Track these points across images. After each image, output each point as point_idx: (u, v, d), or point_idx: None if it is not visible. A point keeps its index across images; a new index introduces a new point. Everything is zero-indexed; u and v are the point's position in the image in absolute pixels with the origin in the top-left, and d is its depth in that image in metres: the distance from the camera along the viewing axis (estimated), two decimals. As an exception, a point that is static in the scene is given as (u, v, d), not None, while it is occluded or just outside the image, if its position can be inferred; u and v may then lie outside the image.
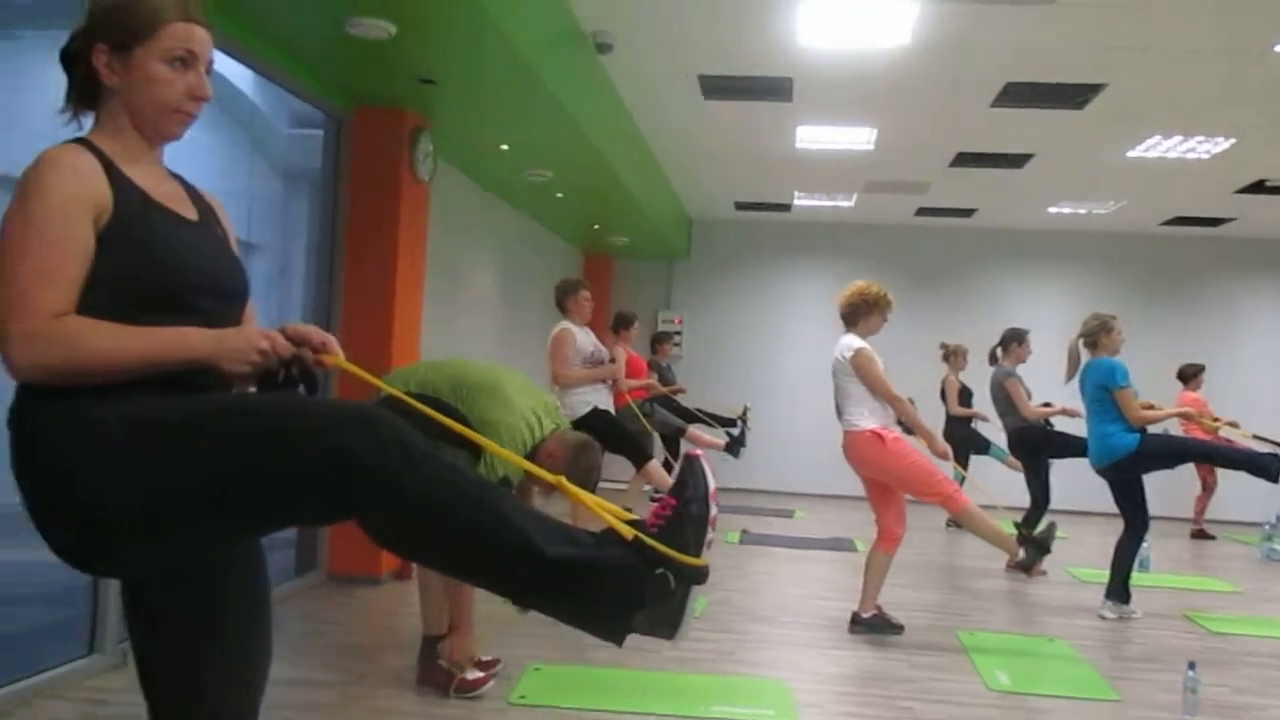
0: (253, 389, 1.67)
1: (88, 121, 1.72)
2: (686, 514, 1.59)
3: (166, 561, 1.62)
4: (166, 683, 1.74)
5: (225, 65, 4.71)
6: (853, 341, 5.04)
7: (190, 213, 1.75)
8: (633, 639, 1.63)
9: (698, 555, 1.56)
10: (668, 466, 8.83)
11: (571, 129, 6.10)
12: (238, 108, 5.44)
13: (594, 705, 3.73)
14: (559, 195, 8.16)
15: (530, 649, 4.33)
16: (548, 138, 6.31)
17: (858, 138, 7.99)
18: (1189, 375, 9.53)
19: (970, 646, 4.92)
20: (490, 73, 5.09)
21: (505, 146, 6.64)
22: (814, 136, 8.03)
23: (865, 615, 5.08)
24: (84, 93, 1.70)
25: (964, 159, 8.49)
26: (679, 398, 8.98)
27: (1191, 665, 4.03)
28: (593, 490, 3.08)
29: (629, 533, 1.57)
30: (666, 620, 1.58)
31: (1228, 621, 5.87)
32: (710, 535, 1.58)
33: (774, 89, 6.80)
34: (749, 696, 3.98)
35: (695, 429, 8.32)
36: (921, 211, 10.94)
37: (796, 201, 10.75)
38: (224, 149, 5.42)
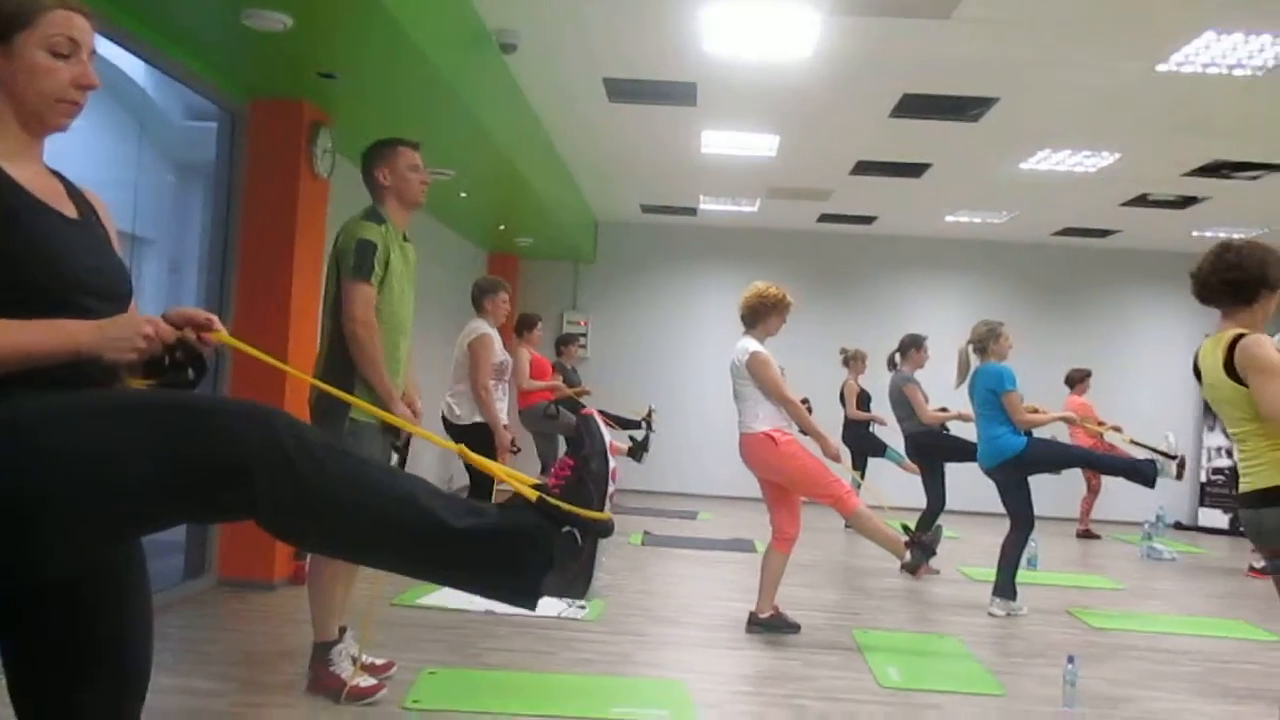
0: (140, 379, 1.63)
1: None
2: (586, 471, 1.64)
3: (48, 565, 1.56)
4: (37, 693, 1.67)
5: (115, 53, 4.56)
6: (749, 344, 5.11)
7: (71, 211, 1.71)
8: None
9: (601, 509, 1.61)
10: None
11: (475, 128, 6.05)
12: (127, 97, 5.26)
13: (489, 708, 3.70)
14: (463, 195, 8.09)
15: (425, 653, 4.28)
16: (451, 136, 6.25)
17: (761, 144, 8.11)
18: (1076, 380, 9.90)
19: (864, 645, 5.02)
20: (392, 68, 5.02)
21: (408, 144, 6.55)
22: (719, 142, 8.12)
23: (763, 615, 5.14)
24: None
25: (864, 167, 8.68)
26: (584, 400, 8.98)
27: (1071, 659, 4.18)
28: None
29: (533, 495, 1.60)
30: (577, 578, 1.63)
31: (1109, 617, 6.11)
32: (611, 488, 1.62)
33: (679, 94, 6.86)
34: (647, 697, 4.00)
35: (599, 431, 8.32)
36: (824, 218, 11.15)
37: (702, 206, 10.85)
38: (112, 139, 5.23)
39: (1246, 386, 3.03)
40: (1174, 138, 7.32)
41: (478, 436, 5.60)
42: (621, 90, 6.86)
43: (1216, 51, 5.59)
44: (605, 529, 1.63)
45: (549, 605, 5.25)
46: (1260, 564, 7.41)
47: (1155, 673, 4.88)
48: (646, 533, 8.34)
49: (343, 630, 3.81)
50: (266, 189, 5.54)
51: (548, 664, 4.35)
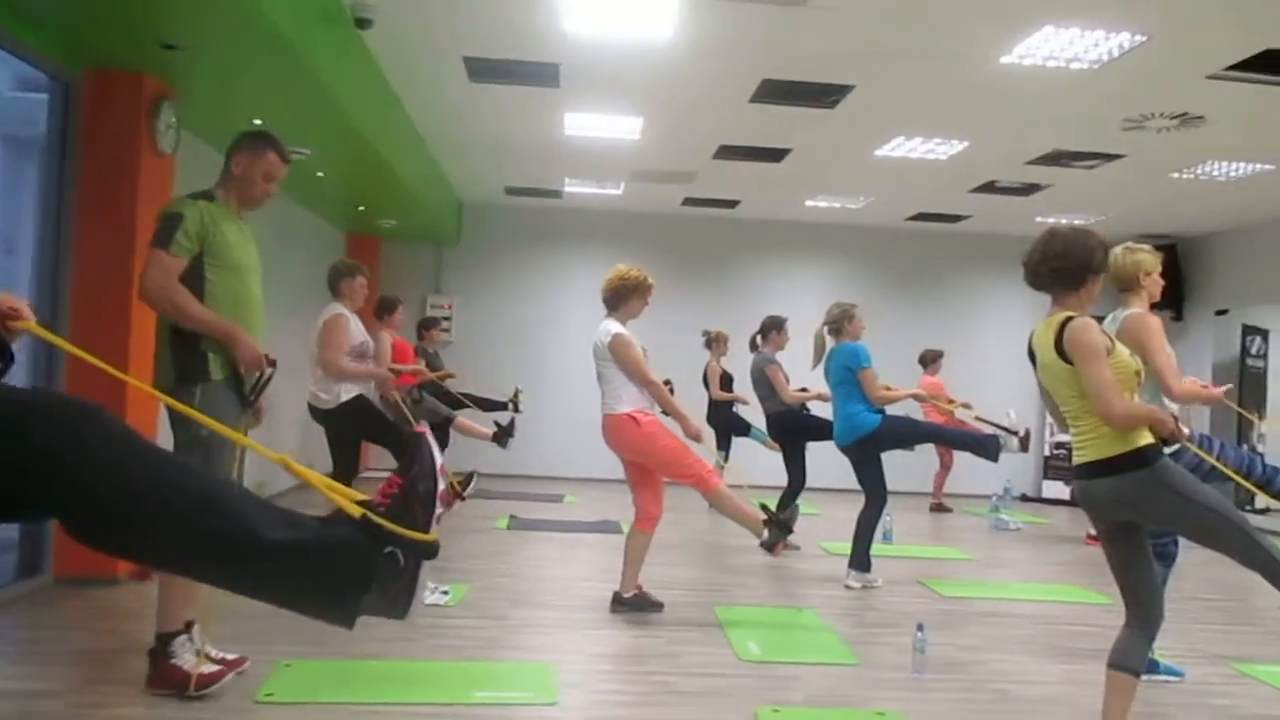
0: None
1: None
2: (414, 491, 1.58)
3: None
4: None
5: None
6: (611, 326, 5.12)
7: None
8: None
9: (426, 531, 1.56)
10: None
11: (330, 105, 5.87)
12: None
13: (346, 699, 3.62)
14: (320, 174, 7.85)
15: (282, 645, 4.15)
16: (305, 113, 6.05)
17: (625, 127, 8.12)
18: (929, 360, 10.29)
19: (725, 621, 5.11)
20: (239, 40, 4.82)
21: (259, 120, 6.29)
22: (582, 124, 8.09)
23: (626, 595, 5.18)
24: None
25: (727, 151, 8.79)
26: (448, 384, 8.86)
27: (920, 627, 4.35)
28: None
29: (357, 511, 1.54)
30: (398, 598, 1.57)
31: (958, 586, 6.38)
32: (439, 510, 1.58)
33: (540, 74, 6.80)
34: (510, 681, 3.98)
35: (463, 418, 8.23)
36: (688, 201, 11.26)
37: (567, 188, 10.82)
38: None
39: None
40: (1018, 127, 7.65)
41: (349, 417, 5.48)
42: (482, 70, 6.76)
43: (1055, 45, 5.85)
44: (430, 551, 1.60)
45: (411, 592, 5.22)
46: (1094, 531, 7.84)
47: (1000, 637, 5.12)
48: (513, 516, 8.30)
49: (190, 624, 3.66)
50: (104, 165, 5.25)
51: (409, 651, 4.28)
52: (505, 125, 8.24)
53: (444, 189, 10.68)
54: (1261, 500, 4.21)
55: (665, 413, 5.22)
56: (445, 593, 5.30)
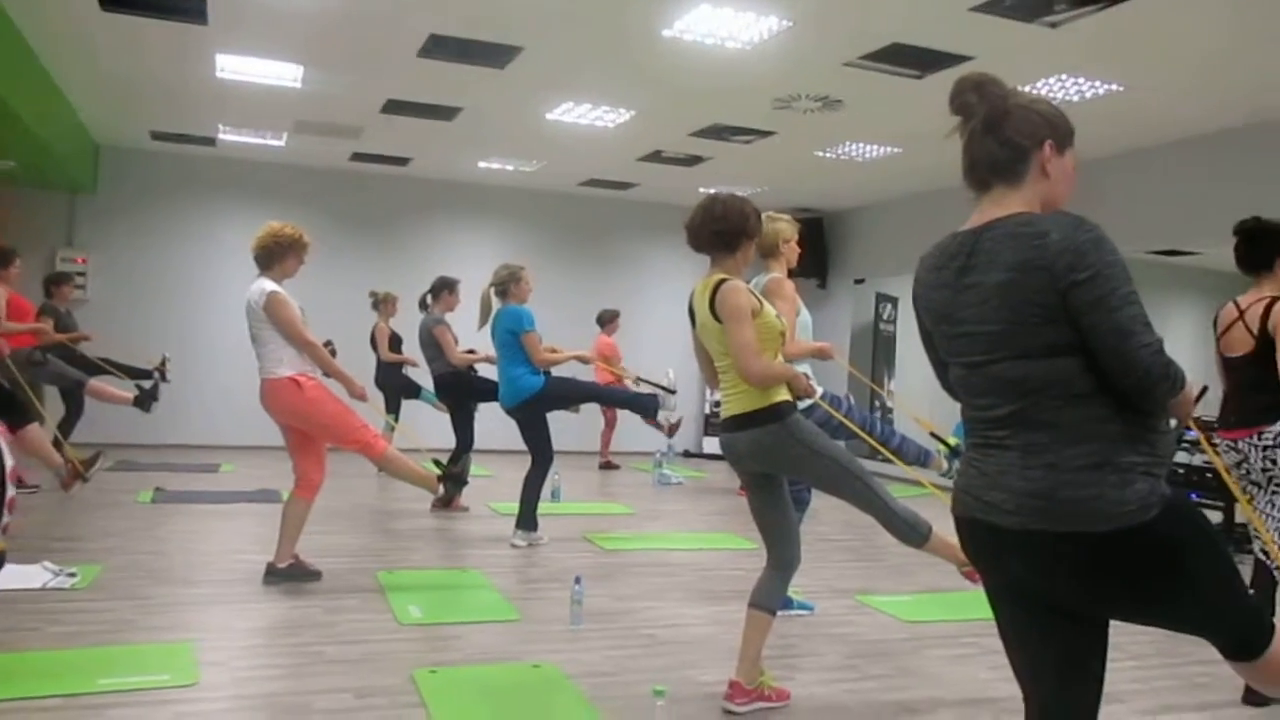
0: None
1: None
2: None
3: None
4: None
5: None
6: (265, 285, 4.83)
7: None
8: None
9: None
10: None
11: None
12: None
13: (-60, 699, 3.19)
14: (-84, 105, 6.81)
15: None
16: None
17: (284, 73, 7.65)
18: (606, 320, 10.61)
19: (388, 585, 5.01)
20: None
21: None
22: (236, 67, 7.54)
23: (281, 565, 4.94)
24: None
25: (395, 106, 8.52)
26: (82, 347, 8.03)
27: (578, 580, 4.47)
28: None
29: None
30: None
31: (619, 540, 6.63)
32: (7, 519, 1.40)
33: (183, 8, 6.24)
34: (145, 664, 3.66)
35: (98, 381, 7.50)
36: (356, 157, 10.83)
37: (222, 136, 10.06)
38: None
39: (725, 326, 3.39)
40: (681, 100, 7.97)
41: None
42: (115, -2, 6.10)
43: (712, 23, 6.13)
44: None
45: (32, 576, 4.69)
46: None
47: (655, 585, 5.37)
48: (158, 489, 7.66)
49: None
50: None
51: (26, 642, 3.85)
52: (146, 63, 7.51)
53: (75, 130, 9.60)
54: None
55: (327, 374, 5.00)
56: (72, 574, 4.81)
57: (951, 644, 4.44)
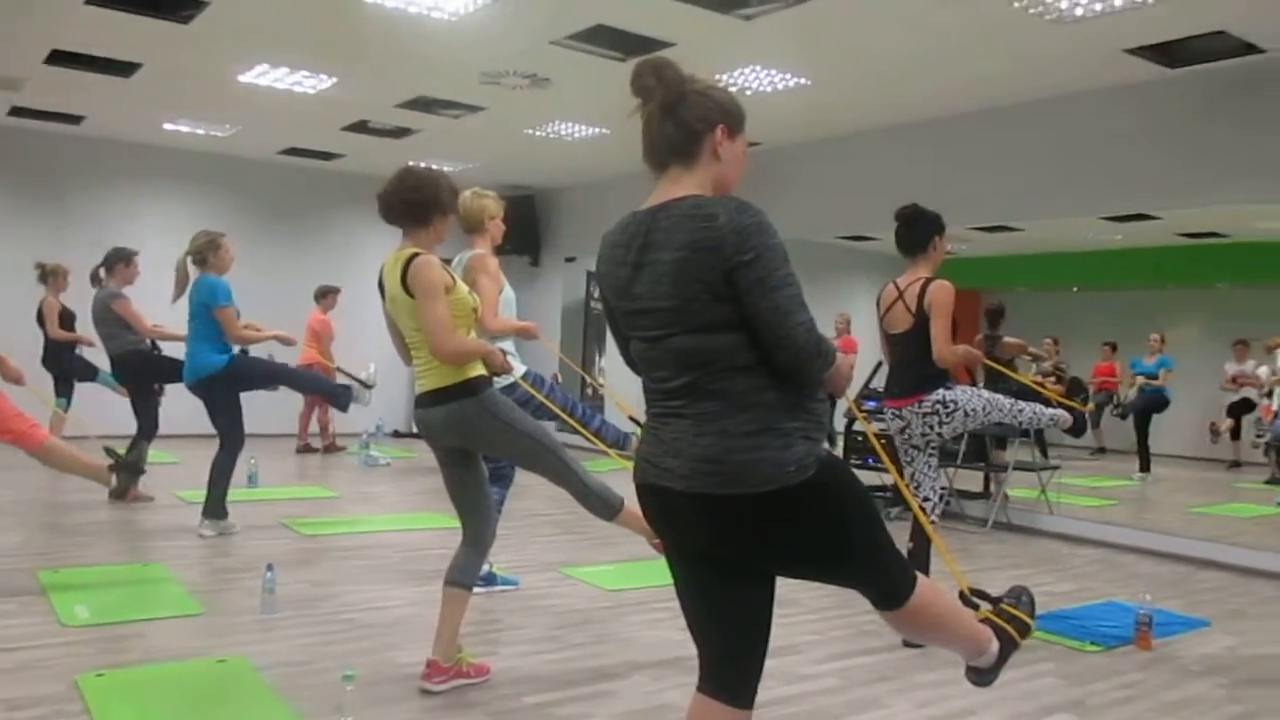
0: None
1: None
2: None
3: None
4: None
5: None
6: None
7: None
8: None
9: None
10: None
11: None
12: None
13: None
14: None
15: None
16: None
17: (-78, 12, 6.73)
18: (322, 295, 10.14)
19: (50, 585, 4.55)
20: None
21: None
22: None
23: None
24: None
25: (63, 58, 7.69)
26: None
27: (270, 567, 4.26)
28: None
29: None
30: None
31: (320, 524, 6.38)
32: None
33: None
34: None
35: None
36: (16, 112, 9.70)
37: None
38: None
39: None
40: (385, 69, 7.70)
41: None
42: None
43: (411, -12, 5.96)
44: None
45: None
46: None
47: (357, 569, 5.22)
48: None
49: None
50: None
51: None
52: None
53: None
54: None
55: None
56: None
57: (647, 609, 4.60)
